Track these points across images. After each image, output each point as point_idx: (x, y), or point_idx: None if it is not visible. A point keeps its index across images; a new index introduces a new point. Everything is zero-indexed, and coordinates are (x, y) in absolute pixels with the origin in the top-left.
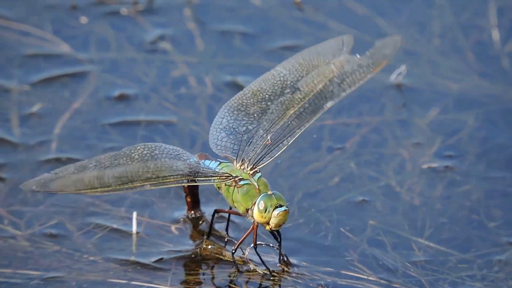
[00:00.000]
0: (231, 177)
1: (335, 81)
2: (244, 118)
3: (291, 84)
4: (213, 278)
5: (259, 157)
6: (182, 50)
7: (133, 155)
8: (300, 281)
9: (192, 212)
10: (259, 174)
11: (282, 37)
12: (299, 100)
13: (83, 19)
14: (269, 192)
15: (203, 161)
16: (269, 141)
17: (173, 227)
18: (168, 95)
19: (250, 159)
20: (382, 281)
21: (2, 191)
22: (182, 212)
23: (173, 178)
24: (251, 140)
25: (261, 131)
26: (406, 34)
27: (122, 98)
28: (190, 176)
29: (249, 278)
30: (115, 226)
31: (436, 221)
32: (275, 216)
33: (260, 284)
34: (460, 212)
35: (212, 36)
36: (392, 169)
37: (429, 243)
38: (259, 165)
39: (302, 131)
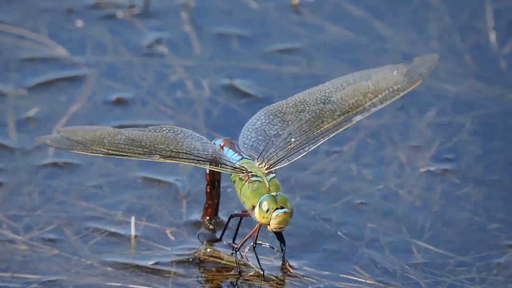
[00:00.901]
0: (245, 171)
1: (368, 96)
2: (278, 123)
3: (333, 100)
4: (212, 281)
5: (278, 158)
6: (179, 54)
7: (156, 133)
8: (298, 284)
9: (208, 217)
10: (273, 175)
11: (279, 40)
12: (335, 115)
13: (79, 23)
14: (274, 193)
15: (227, 148)
16: (292, 146)
17: (171, 231)
18: (165, 99)
19: (269, 160)
20: (381, 284)
21: (0, 195)
22: (179, 216)
23: (186, 156)
24: (276, 143)
25: (289, 136)
26: (403, 36)
27: (119, 102)
28: (205, 159)
29: (248, 281)
30: (113, 230)
31: (435, 224)
32: (274, 217)
33: (259, 287)
34: (458, 215)
35: (209, 39)
36: (390, 172)
37: (428, 246)
38: (276, 166)
39: (325, 140)
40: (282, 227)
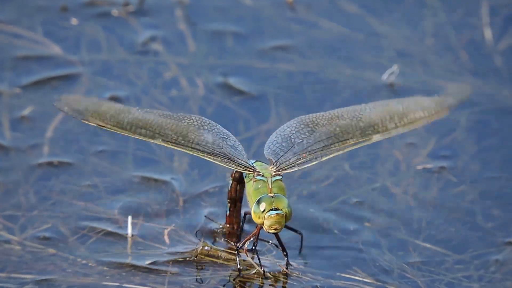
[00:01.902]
0: (251, 170)
1: (395, 118)
2: (306, 133)
3: (369, 117)
4: (209, 280)
5: (289, 164)
6: (173, 51)
7: (183, 120)
8: (295, 283)
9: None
10: (280, 177)
11: (274, 37)
12: (362, 134)
13: (74, 21)
14: (271, 194)
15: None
16: (306, 155)
17: (168, 230)
18: (159, 97)
19: (281, 163)
20: (378, 283)
21: None
22: (176, 215)
23: (190, 144)
24: (295, 151)
25: (311, 145)
26: (398, 33)
27: (113, 100)
28: (208, 149)
29: (246, 280)
30: (109, 229)
31: (432, 222)
32: (267, 218)
33: (256, 286)
34: (455, 213)
35: (203, 36)
36: (386, 170)
37: (425, 244)
38: (285, 170)
39: (339, 153)
40: (276, 229)
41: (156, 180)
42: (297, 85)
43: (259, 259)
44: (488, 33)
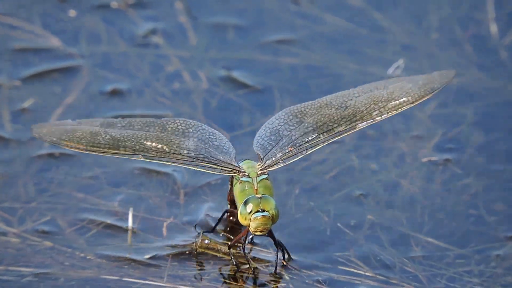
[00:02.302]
0: (236, 171)
1: (379, 105)
2: (295, 124)
3: (354, 105)
4: (208, 274)
5: (274, 161)
6: (174, 44)
7: (167, 126)
8: (296, 277)
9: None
10: (266, 176)
11: (277, 31)
12: (348, 121)
13: (72, 13)
14: (258, 195)
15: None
16: (292, 148)
17: (168, 222)
18: (162, 90)
19: (267, 160)
20: (380, 277)
21: None
22: (177, 207)
23: (173, 156)
24: (282, 144)
25: (297, 138)
26: (403, 27)
27: (115, 93)
28: (189, 158)
29: (245, 274)
30: (109, 222)
31: (435, 216)
32: (253, 220)
33: (256, 280)
34: (458, 207)
35: (204, 29)
36: (391, 163)
37: (427, 238)
38: (272, 168)
39: (325, 144)
40: (261, 231)
41: (157, 172)
42: (302, 78)
43: (248, 261)
44: (493, 27)
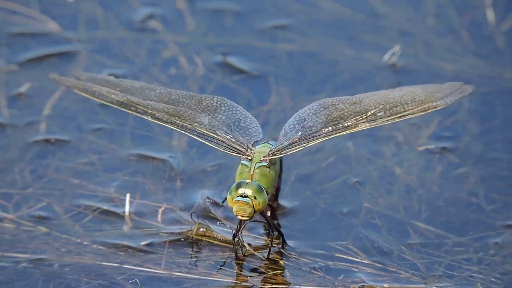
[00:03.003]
0: (240, 152)
1: (387, 107)
2: (321, 117)
3: (378, 106)
4: (205, 261)
5: (279, 148)
6: (172, 29)
7: (203, 101)
8: (292, 264)
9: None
10: (266, 163)
11: (275, 16)
12: (362, 119)
13: None
14: (248, 181)
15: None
16: (298, 139)
17: (164, 209)
18: (159, 75)
19: (277, 147)
20: (377, 264)
21: None
22: (173, 194)
23: (188, 123)
24: (295, 133)
25: (311, 129)
26: (399, 13)
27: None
28: (202, 128)
29: (242, 261)
30: (105, 208)
31: (432, 204)
32: (233, 203)
33: (253, 267)
34: (456, 195)
35: (202, 15)
36: (388, 151)
37: (425, 226)
38: (275, 155)
39: (325, 140)
40: (241, 216)
41: (154, 158)
42: (298, 65)
43: (241, 247)
44: (490, 14)
